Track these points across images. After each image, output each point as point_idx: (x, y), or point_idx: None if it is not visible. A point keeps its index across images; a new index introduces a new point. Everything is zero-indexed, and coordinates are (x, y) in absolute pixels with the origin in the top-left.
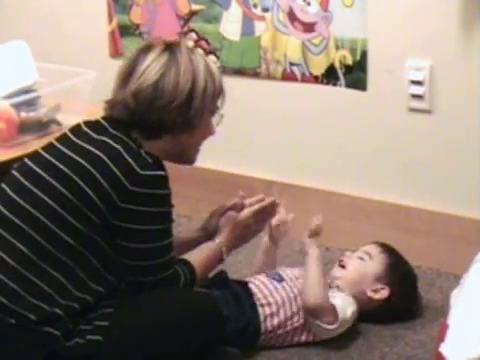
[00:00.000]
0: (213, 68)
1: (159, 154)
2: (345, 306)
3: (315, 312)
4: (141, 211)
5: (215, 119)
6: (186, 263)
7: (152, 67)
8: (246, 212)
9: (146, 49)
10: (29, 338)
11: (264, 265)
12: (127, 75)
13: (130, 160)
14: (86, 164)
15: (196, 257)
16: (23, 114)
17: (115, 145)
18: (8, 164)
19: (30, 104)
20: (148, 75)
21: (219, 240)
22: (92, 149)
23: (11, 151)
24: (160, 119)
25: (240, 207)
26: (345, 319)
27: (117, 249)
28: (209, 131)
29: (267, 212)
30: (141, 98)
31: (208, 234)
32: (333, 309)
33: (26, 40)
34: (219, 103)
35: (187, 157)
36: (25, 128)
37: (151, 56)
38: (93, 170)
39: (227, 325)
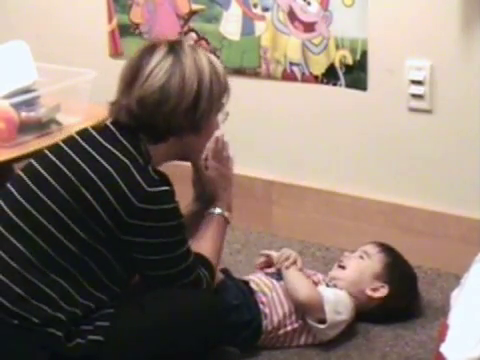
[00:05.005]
0: (218, 66)
1: (165, 156)
2: (336, 301)
3: (308, 307)
4: (151, 226)
5: (220, 117)
6: (202, 260)
7: (156, 71)
8: (211, 163)
9: (149, 50)
10: (32, 339)
11: None
12: (131, 79)
13: (138, 176)
14: (94, 176)
15: (206, 242)
16: (23, 114)
17: (124, 159)
18: (8, 164)
19: (30, 104)
20: (153, 80)
21: (219, 208)
22: (100, 159)
23: (11, 151)
24: (166, 123)
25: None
26: (336, 320)
27: (134, 262)
28: (214, 130)
29: (218, 150)
30: (146, 104)
31: (206, 201)
32: (322, 305)
33: (26, 40)
34: (224, 100)
35: (193, 157)
36: (25, 128)
37: (155, 59)
38: (101, 184)
39: (232, 316)
